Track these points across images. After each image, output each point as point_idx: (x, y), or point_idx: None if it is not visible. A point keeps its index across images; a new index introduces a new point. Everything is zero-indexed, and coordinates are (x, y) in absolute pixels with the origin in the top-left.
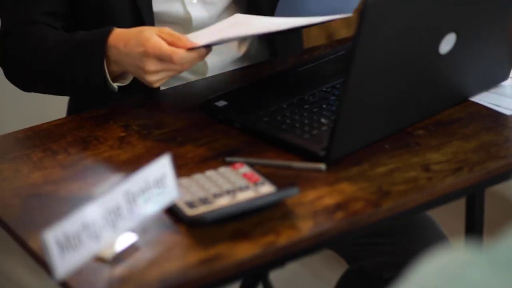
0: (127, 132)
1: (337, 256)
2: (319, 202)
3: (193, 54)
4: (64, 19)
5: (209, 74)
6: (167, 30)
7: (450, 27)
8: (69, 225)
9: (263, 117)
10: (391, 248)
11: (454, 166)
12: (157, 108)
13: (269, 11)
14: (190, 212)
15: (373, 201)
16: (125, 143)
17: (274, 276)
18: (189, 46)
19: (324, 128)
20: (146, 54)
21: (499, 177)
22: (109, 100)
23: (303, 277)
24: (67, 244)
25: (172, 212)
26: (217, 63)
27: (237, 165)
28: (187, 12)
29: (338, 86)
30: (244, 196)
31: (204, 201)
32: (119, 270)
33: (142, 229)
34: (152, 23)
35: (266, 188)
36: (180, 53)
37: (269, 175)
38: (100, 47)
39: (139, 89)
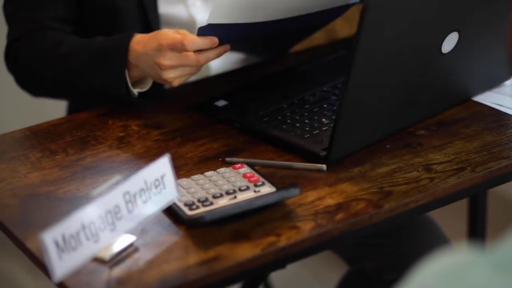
0: (126, 132)
1: (338, 257)
2: (320, 203)
3: (205, 40)
4: (74, 24)
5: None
6: (184, 31)
7: (452, 26)
8: (67, 225)
9: (263, 117)
10: (392, 249)
11: (457, 167)
12: (156, 108)
13: None
14: (189, 212)
15: (374, 201)
16: (124, 143)
17: (275, 277)
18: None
19: (324, 128)
20: (160, 48)
21: (502, 178)
22: (110, 100)
23: (304, 278)
24: (65, 245)
25: (172, 212)
26: (220, 66)
27: (237, 165)
28: (190, 15)
29: (339, 85)
30: (244, 196)
31: (204, 201)
32: (118, 271)
33: (141, 230)
34: (158, 25)
35: (266, 189)
36: (191, 37)
37: (269, 175)
38: (123, 54)
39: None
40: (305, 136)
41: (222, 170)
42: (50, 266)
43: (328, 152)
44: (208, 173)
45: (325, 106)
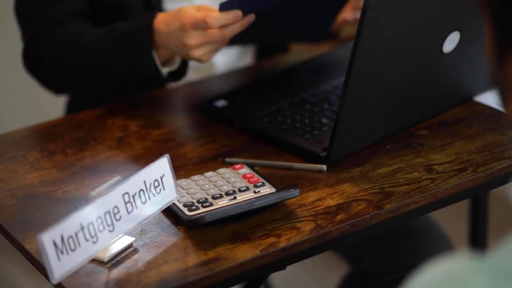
0: (126, 132)
1: (338, 258)
2: (320, 203)
3: (228, 15)
4: (87, 18)
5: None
6: (206, 6)
7: (454, 26)
8: (66, 226)
9: (263, 117)
10: (393, 250)
11: (458, 167)
12: (156, 108)
13: None
14: (189, 213)
15: (375, 202)
16: (123, 144)
17: (275, 278)
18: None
19: (325, 128)
20: (183, 28)
21: (504, 178)
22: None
23: (304, 279)
24: (64, 246)
25: (171, 213)
26: (222, 64)
27: (237, 166)
28: None
29: (339, 85)
30: (244, 197)
31: (204, 202)
32: (117, 272)
33: (140, 231)
34: None
35: (266, 189)
36: (213, 15)
37: (269, 176)
38: (148, 34)
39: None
40: (305, 137)
41: (221, 170)
42: (49, 267)
43: (328, 152)
44: (207, 174)
45: (325, 106)
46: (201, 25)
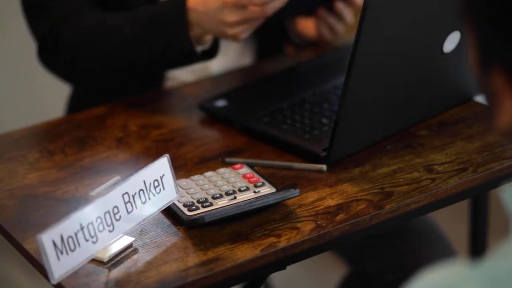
0: (125, 132)
1: (338, 258)
2: (320, 203)
3: None
4: (101, 8)
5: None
6: None
7: (454, 25)
8: (65, 226)
9: (263, 117)
10: (393, 250)
11: (458, 167)
12: (156, 108)
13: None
14: (189, 213)
15: (375, 202)
16: (123, 144)
17: (275, 278)
18: None
19: (325, 128)
20: (224, 5)
21: (504, 178)
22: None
23: (304, 279)
24: (64, 246)
25: (171, 213)
26: (220, 68)
27: (237, 165)
28: None
29: (339, 85)
30: (244, 197)
31: (204, 202)
32: (116, 272)
33: (140, 231)
34: None
35: (266, 189)
36: None
37: (269, 176)
38: (182, 12)
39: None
40: (305, 137)
41: (221, 170)
42: (48, 267)
43: (328, 152)
44: (207, 174)
45: (325, 106)
46: (245, 2)
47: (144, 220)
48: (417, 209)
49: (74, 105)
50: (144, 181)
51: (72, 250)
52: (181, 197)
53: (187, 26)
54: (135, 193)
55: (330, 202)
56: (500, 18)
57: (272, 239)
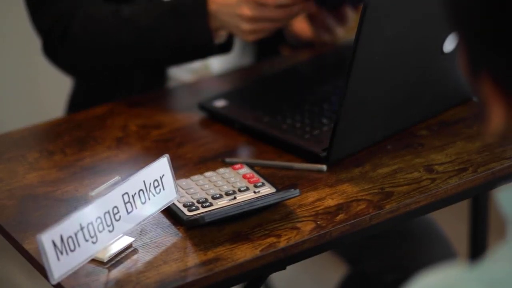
0: (125, 132)
1: (338, 259)
2: (320, 203)
3: None
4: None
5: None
6: None
7: None
8: (65, 226)
9: (263, 117)
10: (393, 251)
11: (458, 167)
12: (156, 108)
13: None
14: (189, 213)
15: (375, 202)
16: (123, 144)
17: (275, 278)
18: None
19: (325, 128)
20: (244, 0)
21: (504, 179)
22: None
23: (304, 279)
24: (63, 246)
25: (171, 213)
26: (220, 68)
27: (237, 166)
28: None
29: (339, 85)
30: (244, 197)
31: (204, 202)
32: (116, 272)
33: (140, 231)
34: None
35: (266, 189)
36: None
37: (269, 176)
38: (203, 4)
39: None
40: (305, 137)
41: (221, 170)
42: (48, 267)
43: (328, 152)
44: (207, 174)
45: (325, 106)
46: (264, 1)
47: (144, 220)
48: (417, 209)
49: (75, 104)
50: (144, 181)
51: (72, 250)
52: (181, 197)
53: (208, 18)
54: (135, 193)
55: (330, 202)
56: (485, 27)
57: (272, 239)
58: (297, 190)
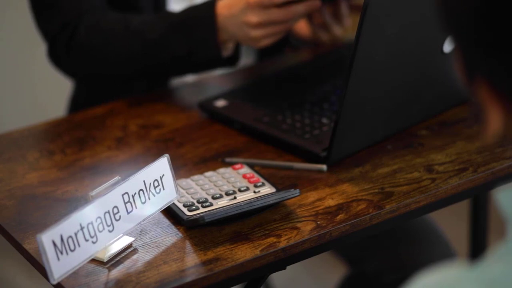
0: (125, 132)
1: (338, 259)
2: (320, 203)
3: None
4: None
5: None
6: None
7: None
8: (65, 226)
9: (263, 117)
10: (393, 251)
11: (458, 167)
12: (156, 108)
13: None
14: (189, 213)
15: (375, 202)
16: (123, 144)
17: (275, 278)
18: None
19: (325, 128)
20: (247, 6)
21: (504, 179)
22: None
23: (304, 279)
24: (63, 246)
25: (171, 213)
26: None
27: (237, 165)
28: None
29: (339, 86)
30: (244, 197)
31: (204, 202)
32: (116, 272)
33: (140, 231)
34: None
35: (266, 189)
36: None
37: (270, 176)
38: (212, 18)
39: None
40: (305, 137)
41: (221, 170)
42: (48, 267)
43: (329, 152)
44: (207, 174)
45: (325, 106)
46: (266, 2)
47: (144, 220)
48: (417, 209)
49: (75, 104)
50: (144, 181)
51: (72, 250)
52: (181, 197)
53: (216, 32)
54: (135, 193)
55: (330, 202)
56: (479, 32)
57: (272, 239)
58: (297, 190)
